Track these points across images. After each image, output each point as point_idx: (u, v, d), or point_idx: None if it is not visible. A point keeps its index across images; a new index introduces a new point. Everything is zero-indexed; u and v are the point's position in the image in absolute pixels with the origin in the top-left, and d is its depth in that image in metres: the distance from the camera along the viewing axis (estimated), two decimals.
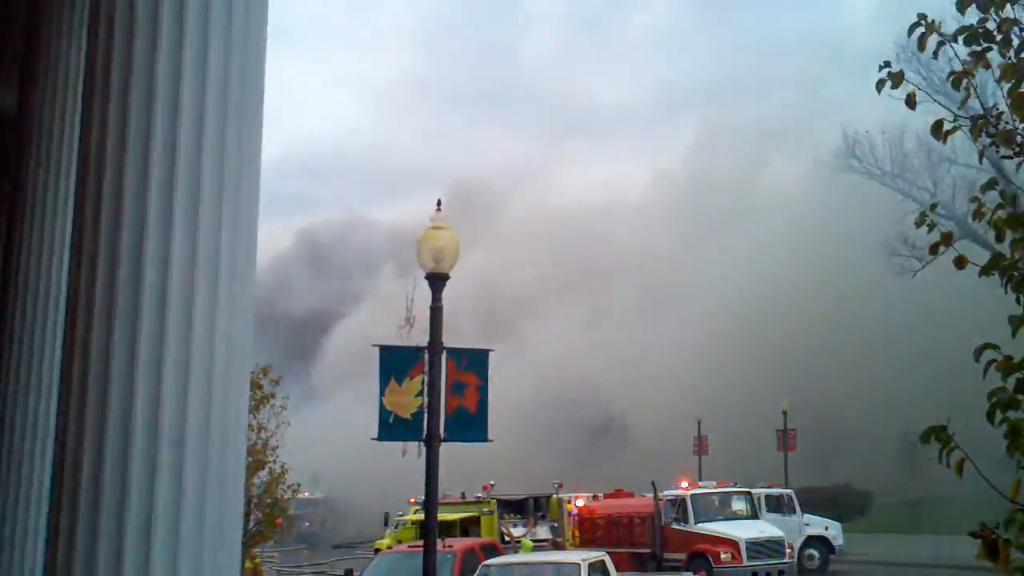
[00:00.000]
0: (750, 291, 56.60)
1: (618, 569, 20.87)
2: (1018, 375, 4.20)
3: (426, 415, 11.37)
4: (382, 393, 11.27)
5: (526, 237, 68.45)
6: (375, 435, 11.67)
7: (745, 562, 25.97)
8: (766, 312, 54.95)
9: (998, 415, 4.20)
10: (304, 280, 79.54)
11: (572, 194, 70.78)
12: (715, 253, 60.76)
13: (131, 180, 3.02)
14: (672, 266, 61.09)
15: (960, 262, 5.25)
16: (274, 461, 18.67)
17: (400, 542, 26.15)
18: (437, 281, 11.10)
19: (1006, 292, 4.54)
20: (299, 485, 19.53)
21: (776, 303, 55.28)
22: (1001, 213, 4.36)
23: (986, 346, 4.55)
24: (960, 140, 4.96)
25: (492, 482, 28.99)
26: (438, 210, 11.03)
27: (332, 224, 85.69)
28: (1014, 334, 4.34)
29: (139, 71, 3.12)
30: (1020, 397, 4.15)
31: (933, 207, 5.09)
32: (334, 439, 50.75)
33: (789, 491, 34.06)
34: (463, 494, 29.01)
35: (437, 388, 11.30)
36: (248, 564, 19.66)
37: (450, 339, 12.23)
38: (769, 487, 33.54)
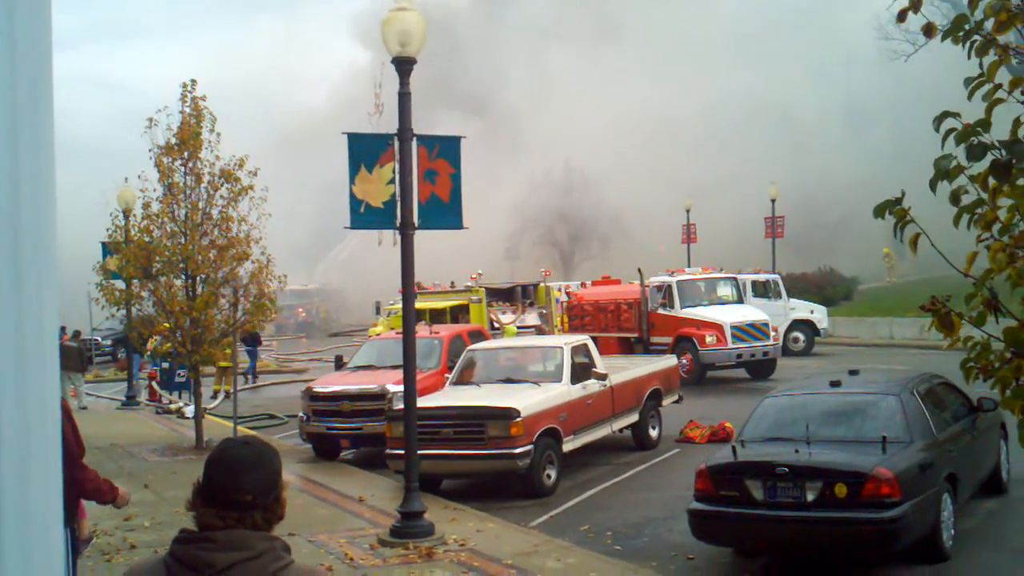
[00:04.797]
0: (741, 73, 55.60)
1: (606, 353, 21.34)
2: (971, 141, 4.01)
3: (399, 203, 11.24)
4: (352, 182, 11.09)
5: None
6: (348, 224, 11.59)
7: (730, 344, 26.49)
8: (757, 95, 54.19)
9: (941, 184, 4.03)
10: None
11: None
12: (706, 35, 59.27)
13: None
14: (660, 52, 59.64)
15: (928, 29, 4.97)
16: (260, 253, 18.65)
17: (392, 329, 26.63)
18: (404, 66, 10.70)
19: (969, 57, 4.29)
20: (285, 276, 19.57)
21: (767, 87, 54.45)
22: None
23: (945, 114, 4.35)
24: None
25: (480, 271, 29.24)
26: None
27: None
28: (970, 96, 4.12)
29: None
30: (966, 164, 3.97)
31: None
32: (327, 230, 50.98)
33: (775, 276, 34.46)
34: (452, 283, 29.34)
35: (408, 176, 11.11)
36: (227, 355, 19.92)
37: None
38: (756, 273, 33.90)
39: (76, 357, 26.01)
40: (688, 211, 44.12)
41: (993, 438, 12.30)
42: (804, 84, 55.31)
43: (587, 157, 57.86)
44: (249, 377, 33.10)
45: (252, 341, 33.22)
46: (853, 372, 12.00)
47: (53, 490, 1.86)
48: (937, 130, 4.40)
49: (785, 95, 54.22)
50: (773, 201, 40.74)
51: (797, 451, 9.84)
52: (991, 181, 4.05)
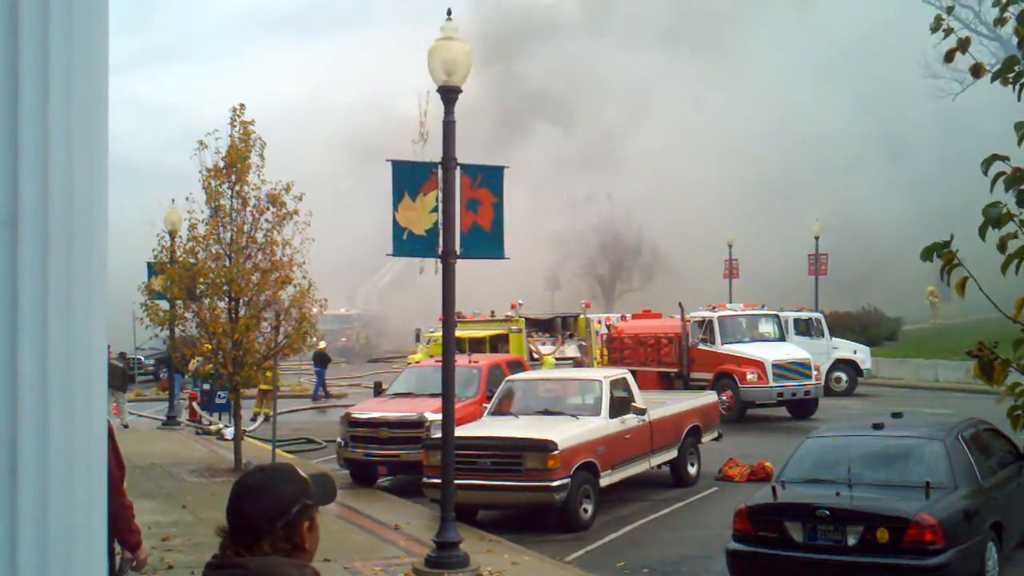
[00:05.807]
0: (785, 112, 55.37)
1: (645, 387, 21.20)
2: (1021, 187, 3.96)
3: (441, 231, 11.28)
4: (395, 209, 11.16)
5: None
6: (390, 251, 11.65)
7: (771, 383, 26.21)
8: (801, 133, 53.91)
9: (989, 231, 3.98)
10: None
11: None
12: (749, 72, 59.07)
13: None
14: (703, 87, 59.51)
15: (976, 70, 4.93)
16: (302, 277, 18.80)
17: (432, 356, 26.65)
18: (449, 94, 10.78)
19: (1019, 99, 4.25)
20: (326, 300, 19.69)
21: (812, 124, 54.16)
22: (1013, 9, 4.00)
23: (994, 157, 4.30)
24: None
25: (520, 301, 29.25)
26: (448, 19, 10.57)
27: None
28: (1020, 141, 4.07)
29: None
30: (1017, 212, 3.92)
31: (950, 10, 4.71)
32: (368, 257, 51.21)
33: (818, 314, 34.11)
34: (492, 312, 29.35)
35: (451, 204, 11.16)
36: (267, 378, 20.00)
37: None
38: (798, 310, 33.57)
39: (119, 376, 26.32)
40: (731, 246, 43.86)
41: None
42: (849, 119, 54.96)
43: (630, 187, 57.76)
44: (322, 396, 33.51)
45: (322, 362, 33.73)
46: (896, 415, 11.81)
47: (97, 510, 1.87)
48: (985, 173, 4.35)
49: (830, 130, 53.91)
50: (816, 238, 40.43)
51: (838, 494, 9.69)
52: None
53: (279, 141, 21.78)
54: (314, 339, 20.58)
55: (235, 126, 18.41)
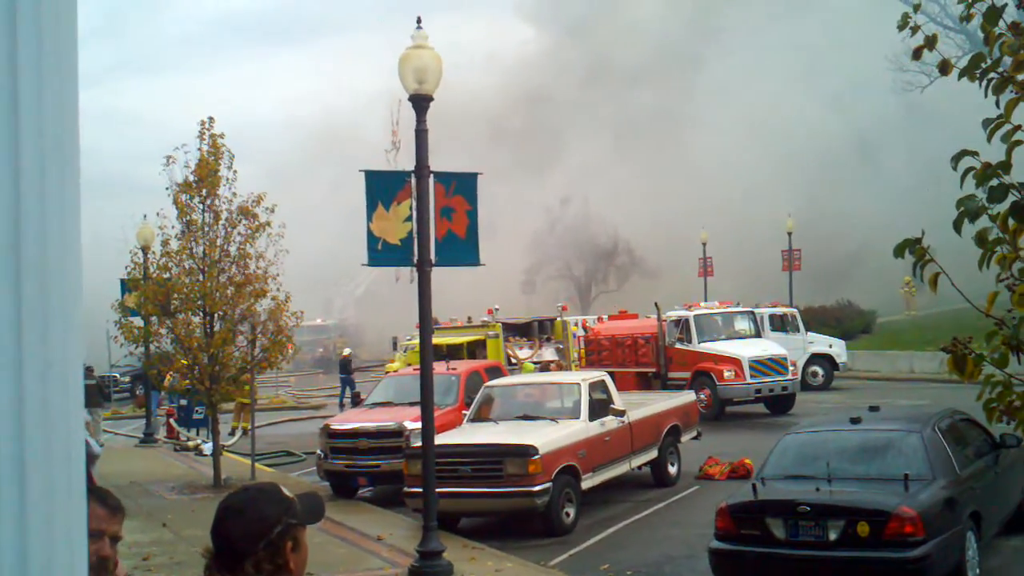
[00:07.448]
0: (757, 109, 55.68)
1: (623, 388, 21.24)
2: (991, 183, 3.98)
3: (415, 240, 11.27)
4: (369, 219, 11.13)
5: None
6: (365, 261, 11.62)
7: (748, 379, 26.34)
8: (773, 130, 54.24)
9: (965, 224, 4.00)
10: None
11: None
12: (720, 70, 59.37)
13: None
14: (676, 86, 59.77)
15: (944, 66, 4.97)
16: (277, 289, 18.71)
17: (409, 365, 26.57)
18: (421, 103, 10.77)
19: (986, 96, 4.28)
20: (302, 312, 19.59)
21: (783, 120, 54.50)
22: (979, 6, 4.03)
23: (963, 153, 4.33)
24: None
25: (496, 306, 29.21)
26: (419, 28, 10.55)
27: None
28: (989, 138, 4.10)
29: None
30: (988, 206, 3.94)
31: (916, 8, 4.74)
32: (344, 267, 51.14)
33: (793, 310, 34.30)
34: (469, 318, 29.30)
35: (426, 213, 11.15)
36: (245, 391, 19.91)
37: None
38: (773, 306, 33.74)
39: (95, 394, 26.09)
40: (704, 244, 44.04)
41: (1017, 474, 12.14)
42: (820, 114, 55.37)
43: (604, 190, 57.93)
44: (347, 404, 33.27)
45: (346, 369, 33.81)
46: (873, 408, 11.88)
47: (78, 540, 1.85)
48: (955, 169, 4.38)
49: (801, 125, 54.28)
50: (790, 234, 40.66)
51: (818, 489, 9.73)
52: (1011, 222, 4.02)
53: (252, 151, 21.68)
54: (291, 352, 20.48)
55: (204, 139, 18.32)
